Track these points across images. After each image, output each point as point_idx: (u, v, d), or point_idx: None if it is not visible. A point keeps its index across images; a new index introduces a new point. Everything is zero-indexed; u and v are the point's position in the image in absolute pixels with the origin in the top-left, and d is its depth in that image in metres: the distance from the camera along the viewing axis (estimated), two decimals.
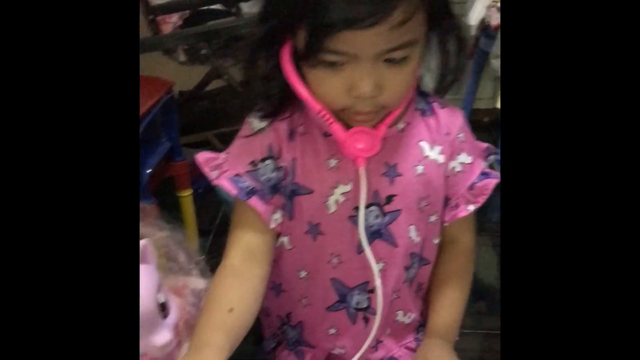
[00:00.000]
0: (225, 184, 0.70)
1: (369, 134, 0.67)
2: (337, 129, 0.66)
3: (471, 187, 0.75)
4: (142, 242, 0.57)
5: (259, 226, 0.71)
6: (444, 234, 0.80)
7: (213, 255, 0.71)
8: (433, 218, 0.76)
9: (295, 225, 0.73)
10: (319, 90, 0.65)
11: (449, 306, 0.78)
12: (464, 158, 0.75)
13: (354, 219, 0.71)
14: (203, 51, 1.83)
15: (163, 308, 0.57)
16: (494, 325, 1.56)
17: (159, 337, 0.56)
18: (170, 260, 0.65)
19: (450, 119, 0.75)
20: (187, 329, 0.63)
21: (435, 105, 0.75)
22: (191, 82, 2.05)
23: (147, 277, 0.57)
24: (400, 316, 0.79)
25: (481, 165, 0.77)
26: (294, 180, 0.72)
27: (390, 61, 0.61)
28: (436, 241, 0.78)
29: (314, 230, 0.73)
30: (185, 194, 1.57)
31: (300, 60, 0.63)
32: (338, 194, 0.71)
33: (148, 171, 1.38)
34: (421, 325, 0.82)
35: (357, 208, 0.71)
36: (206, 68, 1.96)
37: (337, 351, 0.79)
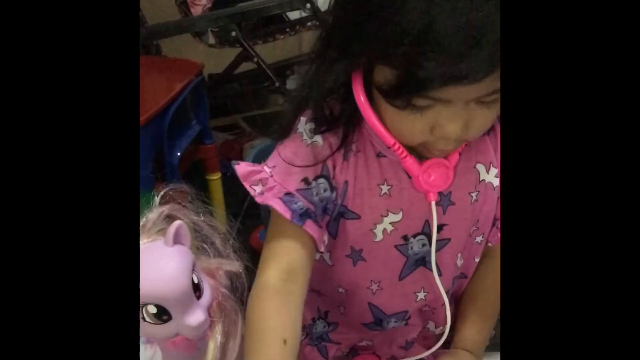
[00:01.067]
0: (276, 205, 0.63)
1: (443, 166, 0.63)
2: (411, 163, 0.62)
3: None
4: (177, 223, 0.57)
5: (302, 245, 0.64)
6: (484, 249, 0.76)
7: (243, 238, 0.71)
8: (479, 239, 0.73)
9: (337, 245, 0.69)
10: (396, 125, 0.60)
11: (480, 322, 0.75)
12: None
13: (400, 247, 0.68)
14: (232, 33, 1.83)
15: (197, 289, 0.58)
16: None
17: (193, 318, 0.56)
18: (205, 243, 0.65)
19: None
20: (220, 311, 0.63)
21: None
22: (220, 65, 2.06)
23: (182, 258, 0.57)
24: (431, 327, 0.77)
25: None
26: (342, 203, 0.66)
27: (481, 102, 0.57)
28: (477, 259, 0.75)
29: (356, 255, 0.69)
30: (215, 177, 1.58)
31: (382, 96, 0.57)
32: (387, 222, 0.67)
33: (178, 154, 1.39)
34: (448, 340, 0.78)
35: (404, 237, 0.68)
36: (236, 50, 1.96)
37: (365, 342, 0.78)
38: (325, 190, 0.65)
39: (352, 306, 0.74)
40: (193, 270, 0.58)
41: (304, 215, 0.63)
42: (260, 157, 1.44)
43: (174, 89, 1.38)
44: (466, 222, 0.69)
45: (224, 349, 0.63)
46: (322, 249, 0.67)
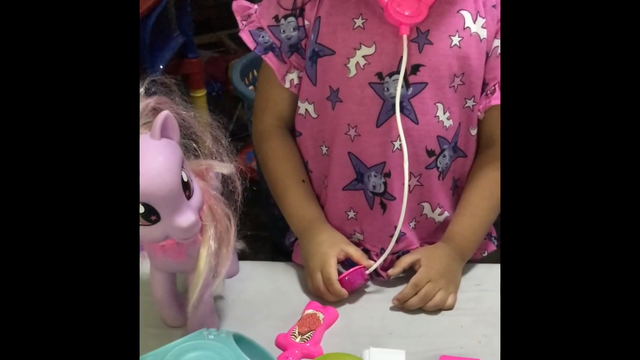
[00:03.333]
0: (245, 37, 0.72)
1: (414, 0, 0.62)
2: None
3: None
4: (164, 113, 0.52)
5: (288, 93, 0.73)
6: (481, 132, 0.74)
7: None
8: (470, 103, 0.70)
9: (317, 91, 0.71)
10: None
11: (471, 216, 0.73)
12: None
13: (375, 86, 0.68)
14: None
15: (187, 187, 0.53)
16: None
17: (183, 218, 0.52)
18: (195, 142, 0.60)
19: None
20: (212, 215, 0.59)
21: None
22: None
23: (171, 152, 0.52)
24: (427, 210, 0.75)
25: None
26: (317, 41, 0.69)
27: None
28: (473, 132, 0.73)
29: (334, 96, 0.70)
30: (199, 94, 1.51)
31: None
32: (360, 55, 0.67)
33: (161, 66, 1.32)
34: None
35: (379, 75, 0.67)
36: None
37: (355, 237, 0.76)
38: (294, 29, 0.70)
39: (334, 167, 0.73)
40: (182, 167, 0.53)
41: (268, 48, 0.71)
42: (246, 71, 1.39)
43: None
44: (445, 67, 0.67)
45: (216, 256, 0.60)
46: (287, 86, 0.73)
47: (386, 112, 0.69)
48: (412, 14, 0.63)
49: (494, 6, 0.68)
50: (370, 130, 0.70)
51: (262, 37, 0.71)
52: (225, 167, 0.60)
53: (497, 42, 0.68)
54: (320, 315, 0.70)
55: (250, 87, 1.34)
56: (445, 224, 0.76)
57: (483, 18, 0.68)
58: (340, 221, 0.76)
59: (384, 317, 0.70)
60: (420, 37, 0.66)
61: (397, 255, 0.75)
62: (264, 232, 1.18)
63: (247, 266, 0.78)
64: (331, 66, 0.69)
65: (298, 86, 0.73)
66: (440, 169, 0.72)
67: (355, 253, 0.72)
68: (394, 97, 0.67)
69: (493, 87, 0.70)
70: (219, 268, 0.60)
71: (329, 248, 0.71)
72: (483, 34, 0.68)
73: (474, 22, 0.67)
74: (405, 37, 0.64)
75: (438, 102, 0.69)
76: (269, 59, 0.72)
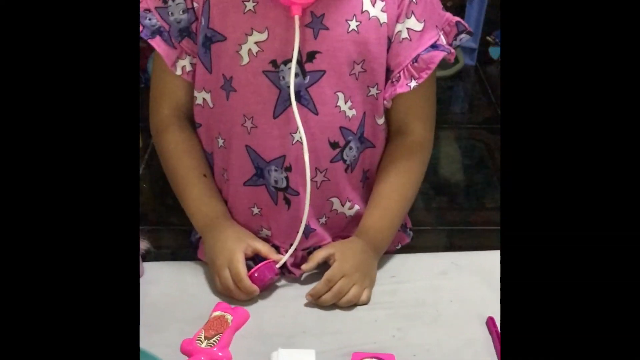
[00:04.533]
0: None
1: None
2: None
3: (415, 60, 0.65)
4: None
5: (182, 82, 0.69)
6: (390, 121, 0.71)
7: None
8: (374, 91, 0.67)
9: (213, 79, 0.67)
10: None
11: (384, 208, 0.71)
12: (413, 23, 0.65)
13: (269, 75, 0.64)
14: None
15: None
16: (455, 220, 1.53)
17: None
18: None
19: None
20: None
21: None
22: None
23: None
24: (336, 205, 0.71)
25: (435, 37, 0.66)
26: (208, 26, 0.64)
27: None
28: (380, 121, 0.70)
29: (227, 85, 0.66)
30: None
31: None
32: (252, 42, 0.63)
33: None
34: None
35: (273, 62, 0.63)
36: None
37: (263, 233, 0.73)
38: (183, 12, 0.66)
39: (233, 160, 0.69)
40: None
41: (155, 32, 0.66)
42: None
43: None
44: (343, 53, 0.64)
45: None
46: (178, 73, 0.68)
47: (283, 103, 0.65)
48: None
49: None
50: (267, 122, 0.66)
51: (149, 19, 0.66)
52: None
53: (400, 27, 0.65)
54: (229, 317, 0.66)
55: None
56: (357, 218, 0.73)
57: (382, 1, 0.64)
58: (245, 217, 0.72)
59: (297, 315, 0.67)
60: (315, 22, 0.62)
61: (308, 251, 0.72)
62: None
63: (151, 268, 0.73)
64: (223, 52, 0.65)
65: (192, 74, 0.68)
66: (347, 162, 0.69)
67: (263, 248, 0.68)
68: (289, 86, 0.63)
69: (398, 75, 0.66)
70: None
71: (235, 243, 0.67)
72: (383, 17, 0.64)
73: (373, 5, 0.64)
74: (297, 18, 0.60)
75: (338, 91, 0.65)
76: (157, 44, 0.66)
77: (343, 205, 0.72)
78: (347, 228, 0.73)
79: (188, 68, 0.68)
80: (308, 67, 0.64)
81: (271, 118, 0.65)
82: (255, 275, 0.67)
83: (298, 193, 0.68)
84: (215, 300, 0.68)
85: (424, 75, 0.65)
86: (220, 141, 0.70)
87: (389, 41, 0.65)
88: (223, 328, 0.64)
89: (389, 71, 0.67)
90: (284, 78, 0.64)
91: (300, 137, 0.64)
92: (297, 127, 0.63)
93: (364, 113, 0.68)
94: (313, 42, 0.63)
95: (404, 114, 0.69)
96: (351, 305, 0.67)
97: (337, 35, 0.63)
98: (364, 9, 0.63)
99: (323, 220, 0.72)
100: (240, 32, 0.63)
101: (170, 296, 0.70)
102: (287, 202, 0.69)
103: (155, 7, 0.66)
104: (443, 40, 0.67)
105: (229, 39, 0.64)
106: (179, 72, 0.68)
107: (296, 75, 0.63)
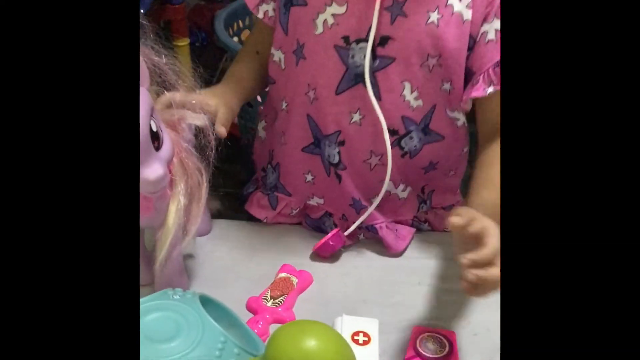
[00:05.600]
0: None
1: None
2: None
3: (498, 65, 0.61)
4: None
5: (266, 30, 0.69)
6: (483, 122, 0.66)
7: None
8: (447, 86, 0.64)
9: (288, 42, 0.67)
10: None
11: (494, 189, 0.59)
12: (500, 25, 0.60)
13: (340, 50, 0.63)
14: None
15: (155, 138, 0.49)
16: None
17: (150, 170, 0.49)
18: (167, 91, 0.56)
19: None
20: (182, 169, 0.55)
21: None
22: None
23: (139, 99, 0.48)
24: (390, 187, 0.70)
25: None
26: None
27: None
28: (452, 114, 0.67)
29: (299, 52, 0.65)
30: (182, 43, 1.45)
31: None
32: (329, 13, 0.62)
33: (142, 11, 1.25)
34: (423, 204, 0.74)
35: (345, 38, 0.62)
36: None
37: (314, 201, 0.73)
38: None
39: (293, 126, 0.69)
40: (152, 116, 0.49)
41: None
42: (230, 21, 1.33)
43: None
44: (417, 44, 0.61)
45: (187, 212, 0.56)
46: (260, 16, 0.69)
47: (348, 81, 0.64)
48: None
49: None
50: (329, 96, 0.65)
51: None
52: (199, 119, 0.56)
53: (487, 27, 0.61)
54: (294, 279, 0.67)
55: (235, 38, 1.28)
56: (410, 200, 0.72)
57: None
58: (299, 183, 0.72)
59: (358, 284, 0.68)
60: (395, 7, 0.60)
61: (361, 227, 0.71)
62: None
63: (220, 225, 0.75)
64: (301, 17, 0.64)
65: (273, 19, 0.68)
66: (405, 149, 0.67)
67: (222, 116, 0.64)
68: (358, 66, 0.62)
69: (478, 79, 0.63)
70: (189, 225, 0.57)
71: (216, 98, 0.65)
72: (467, 14, 0.60)
73: (459, 0, 0.60)
74: (378, 2, 0.59)
75: (405, 81, 0.63)
76: None
77: (396, 188, 0.71)
78: (395, 209, 0.72)
79: (270, 13, 0.68)
80: (379, 51, 0.62)
81: (333, 93, 0.65)
82: (331, 243, 0.68)
83: (346, 168, 0.68)
84: (281, 262, 0.70)
85: None
86: (284, 104, 0.70)
87: (473, 40, 0.62)
88: (288, 290, 0.66)
89: (469, 71, 0.64)
90: (352, 57, 0.62)
91: (360, 119, 0.64)
92: (358, 109, 0.63)
93: (434, 105, 0.66)
94: (389, 27, 0.61)
95: (497, 116, 0.61)
96: (416, 281, 0.68)
97: (414, 24, 0.61)
98: (448, 2, 0.61)
99: (374, 199, 0.70)
100: (321, 1, 0.62)
101: (236, 254, 0.72)
102: (338, 177, 0.69)
103: None
104: None
105: (309, 4, 0.63)
106: (260, 15, 0.69)
107: (365, 56, 0.61)
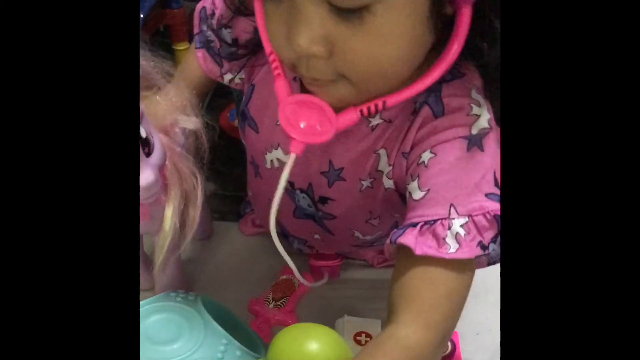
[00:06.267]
0: (195, 20, 0.61)
1: (320, 113, 0.47)
2: (281, 86, 0.48)
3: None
4: None
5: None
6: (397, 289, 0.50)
7: (211, 117, 0.61)
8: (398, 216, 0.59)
9: (245, 147, 0.63)
10: (267, 26, 0.47)
11: None
12: (413, 188, 0.49)
13: (287, 190, 0.58)
14: None
15: (145, 144, 0.49)
16: None
17: (141, 177, 0.48)
18: (157, 95, 0.55)
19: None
20: (176, 173, 0.55)
21: (446, 100, 0.49)
22: None
23: None
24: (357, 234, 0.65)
25: (436, 215, 0.47)
26: (247, 104, 0.59)
27: (338, 12, 0.41)
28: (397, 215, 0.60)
29: (255, 168, 0.62)
30: (181, 47, 1.44)
31: None
32: (275, 156, 0.58)
33: (141, 15, 1.25)
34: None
35: (291, 183, 0.58)
36: None
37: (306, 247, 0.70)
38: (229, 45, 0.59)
39: (261, 212, 0.67)
40: (141, 121, 0.49)
41: (205, 44, 0.60)
42: None
43: None
44: (357, 208, 0.57)
45: (183, 216, 0.56)
46: (226, 82, 0.62)
47: (300, 215, 0.61)
48: (308, 131, 0.47)
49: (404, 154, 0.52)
50: (289, 217, 0.62)
51: (207, 32, 0.60)
52: (191, 122, 0.56)
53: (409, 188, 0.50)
54: (296, 281, 0.67)
55: None
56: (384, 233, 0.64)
57: (390, 165, 0.53)
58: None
59: (360, 285, 0.68)
60: (332, 174, 0.55)
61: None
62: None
63: (220, 227, 0.75)
64: (253, 143, 0.60)
65: (240, 85, 0.61)
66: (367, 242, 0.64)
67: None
68: (305, 210, 0.59)
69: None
70: (186, 229, 0.57)
71: None
72: (389, 184, 0.54)
73: (389, 164, 0.53)
74: (293, 156, 0.48)
75: (354, 231, 0.60)
76: (201, 55, 0.61)
77: (364, 236, 0.65)
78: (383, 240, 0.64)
79: (237, 81, 0.61)
80: (320, 207, 0.58)
81: (292, 217, 0.62)
82: (326, 273, 0.68)
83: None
84: (282, 263, 0.69)
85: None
86: (250, 192, 0.69)
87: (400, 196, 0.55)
88: (290, 291, 0.65)
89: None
90: (299, 201, 0.59)
91: (322, 236, 0.62)
92: (317, 232, 0.62)
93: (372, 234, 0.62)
94: (327, 189, 0.57)
95: (398, 292, 0.49)
96: None
97: (351, 191, 0.56)
98: (379, 168, 0.54)
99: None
100: (269, 140, 0.58)
101: (237, 256, 0.71)
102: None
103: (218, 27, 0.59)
104: (457, 231, 0.46)
105: (260, 135, 0.59)
106: (226, 81, 0.62)
107: (309, 205, 0.59)
